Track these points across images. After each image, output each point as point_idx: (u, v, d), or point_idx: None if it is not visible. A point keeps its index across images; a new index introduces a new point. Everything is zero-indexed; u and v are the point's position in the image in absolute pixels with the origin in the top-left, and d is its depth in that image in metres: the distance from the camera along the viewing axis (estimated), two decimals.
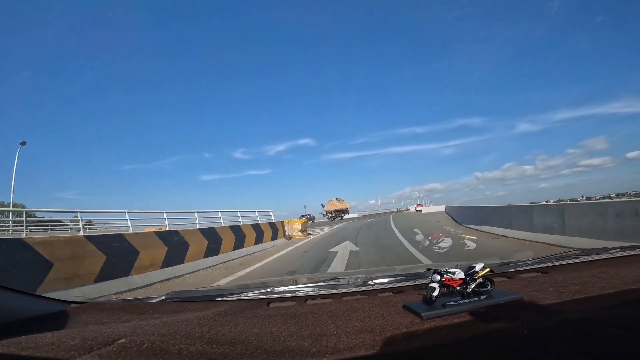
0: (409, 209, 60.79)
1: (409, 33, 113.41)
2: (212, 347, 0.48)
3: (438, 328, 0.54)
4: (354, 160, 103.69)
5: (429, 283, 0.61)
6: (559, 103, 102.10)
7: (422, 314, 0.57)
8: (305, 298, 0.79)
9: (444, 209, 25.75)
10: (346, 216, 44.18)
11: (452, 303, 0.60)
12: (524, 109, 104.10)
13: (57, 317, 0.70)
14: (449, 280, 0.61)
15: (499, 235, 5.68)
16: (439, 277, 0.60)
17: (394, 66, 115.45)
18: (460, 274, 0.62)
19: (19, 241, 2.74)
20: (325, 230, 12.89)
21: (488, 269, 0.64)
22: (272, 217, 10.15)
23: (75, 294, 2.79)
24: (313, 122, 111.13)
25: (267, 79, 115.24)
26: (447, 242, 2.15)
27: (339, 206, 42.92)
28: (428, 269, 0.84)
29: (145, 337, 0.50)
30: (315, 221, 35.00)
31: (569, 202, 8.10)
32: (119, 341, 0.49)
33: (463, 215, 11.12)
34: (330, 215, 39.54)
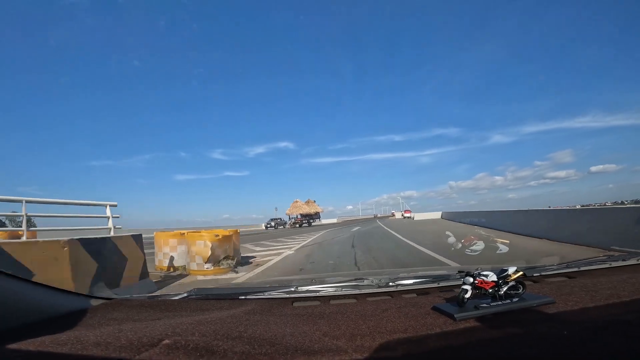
0: (393, 215, 60.80)
1: (393, 43, 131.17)
2: (254, 347, 0.55)
3: (472, 329, 0.61)
4: (333, 165, 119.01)
5: (461, 285, 0.70)
6: (530, 116, 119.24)
7: (455, 315, 0.64)
8: (329, 298, 0.88)
9: (440, 216, 25.75)
10: (317, 222, 36.95)
11: (485, 305, 0.67)
12: (498, 120, 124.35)
13: (88, 313, 0.78)
14: (481, 283, 0.70)
15: None
16: (471, 280, 0.69)
17: (376, 74, 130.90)
18: (492, 277, 0.70)
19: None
20: (289, 247, 8.29)
21: (521, 272, 0.73)
22: (111, 224, 4.06)
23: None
24: (293, 125, 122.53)
25: (249, 81, 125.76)
26: (479, 246, 2.10)
27: (307, 209, 37.11)
28: (459, 272, 0.93)
29: (187, 337, 0.57)
30: (287, 227, 30.83)
31: None
32: (164, 342, 0.55)
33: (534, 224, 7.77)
34: (293, 220, 33.84)
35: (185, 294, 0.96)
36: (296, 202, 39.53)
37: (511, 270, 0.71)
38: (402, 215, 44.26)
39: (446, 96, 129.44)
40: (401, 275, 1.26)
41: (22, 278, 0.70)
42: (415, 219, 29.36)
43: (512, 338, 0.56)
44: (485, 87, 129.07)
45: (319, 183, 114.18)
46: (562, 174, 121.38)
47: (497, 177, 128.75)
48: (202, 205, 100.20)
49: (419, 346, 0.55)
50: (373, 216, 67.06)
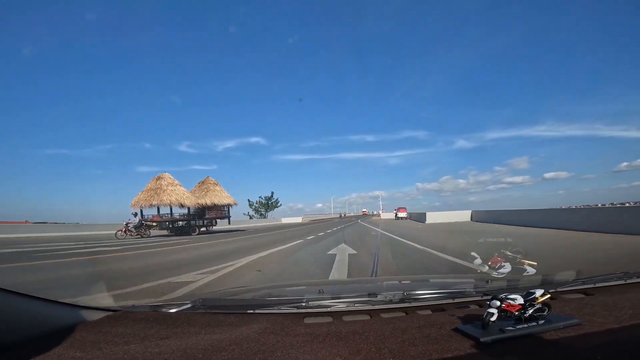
0: (378, 215, 61.83)
1: (369, 46, 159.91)
2: None
3: (498, 353, 0.70)
4: (304, 162, 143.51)
5: (487, 308, 0.81)
6: (493, 123, 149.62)
7: (480, 339, 0.74)
8: (340, 313, 1.00)
9: (469, 217, 22.91)
10: (227, 226, 24.16)
11: (510, 328, 0.78)
12: (464, 126, 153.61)
13: (92, 327, 0.89)
14: (508, 306, 0.81)
15: None
16: (498, 303, 0.81)
17: (352, 75, 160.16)
18: (519, 300, 0.82)
19: None
20: None
21: (548, 295, 0.86)
22: None
23: None
24: (266, 121, 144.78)
25: (219, 72, 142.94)
26: (506, 268, 2.63)
27: (186, 199, 19.91)
28: (484, 294, 1.09)
29: None
30: (117, 236, 15.97)
31: None
32: None
33: None
34: (137, 222, 17.52)
35: (189, 304, 1.11)
36: (160, 178, 20.05)
37: (538, 293, 0.84)
38: (396, 216, 40.67)
39: (418, 100, 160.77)
40: (415, 288, 1.54)
41: (14, 291, 0.78)
42: (428, 221, 23.73)
43: None
44: (454, 93, 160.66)
45: (289, 180, 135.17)
46: (518, 179, 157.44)
47: (460, 181, 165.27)
48: None
49: None
50: (339, 215, 66.12)
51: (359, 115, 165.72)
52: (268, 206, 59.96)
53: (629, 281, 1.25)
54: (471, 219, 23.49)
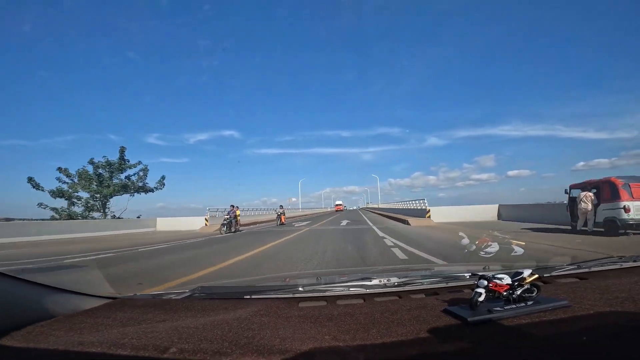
0: (428, 213, 20.90)
1: (345, 42, 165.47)
2: (264, 356, 0.65)
3: (485, 333, 0.72)
4: (278, 157, 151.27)
5: (475, 288, 0.84)
6: (463, 122, 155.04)
7: (468, 319, 0.76)
8: (335, 298, 1.05)
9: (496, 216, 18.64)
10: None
11: (498, 308, 0.80)
12: (435, 124, 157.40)
13: (92, 313, 0.96)
14: (495, 286, 0.83)
15: None
16: (485, 283, 0.83)
17: (329, 70, 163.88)
18: (507, 280, 0.84)
19: None
20: None
21: (536, 275, 0.87)
22: None
23: None
24: (240, 114, 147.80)
25: (193, 63, 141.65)
26: (494, 248, 2.60)
27: None
28: (472, 275, 1.06)
29: (194, 345, 0.69)
30: None
31: None
32: (171, 350, 0.67)
33: None
34: None
35: (189, 293, 1.16)
36: None
37: (526, 273, 0.85)
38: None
39: (393, 97, 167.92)
40: (409, 274, 1.57)
41: (19, 277, 0.83)
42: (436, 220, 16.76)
43: (527, 343, 0.68)
44: (428, 92, 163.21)
45: (263, 173, 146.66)
46: (484, 176, 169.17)
47: (431, 177, 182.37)
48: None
49: (431, 351, 0.66)
50: (277, 215, 21.38)
51: (334, 110, 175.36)
52: (109, 186, 24.03)
53: (624, 265, 1.26)
54: (499, 217, 19.30)
